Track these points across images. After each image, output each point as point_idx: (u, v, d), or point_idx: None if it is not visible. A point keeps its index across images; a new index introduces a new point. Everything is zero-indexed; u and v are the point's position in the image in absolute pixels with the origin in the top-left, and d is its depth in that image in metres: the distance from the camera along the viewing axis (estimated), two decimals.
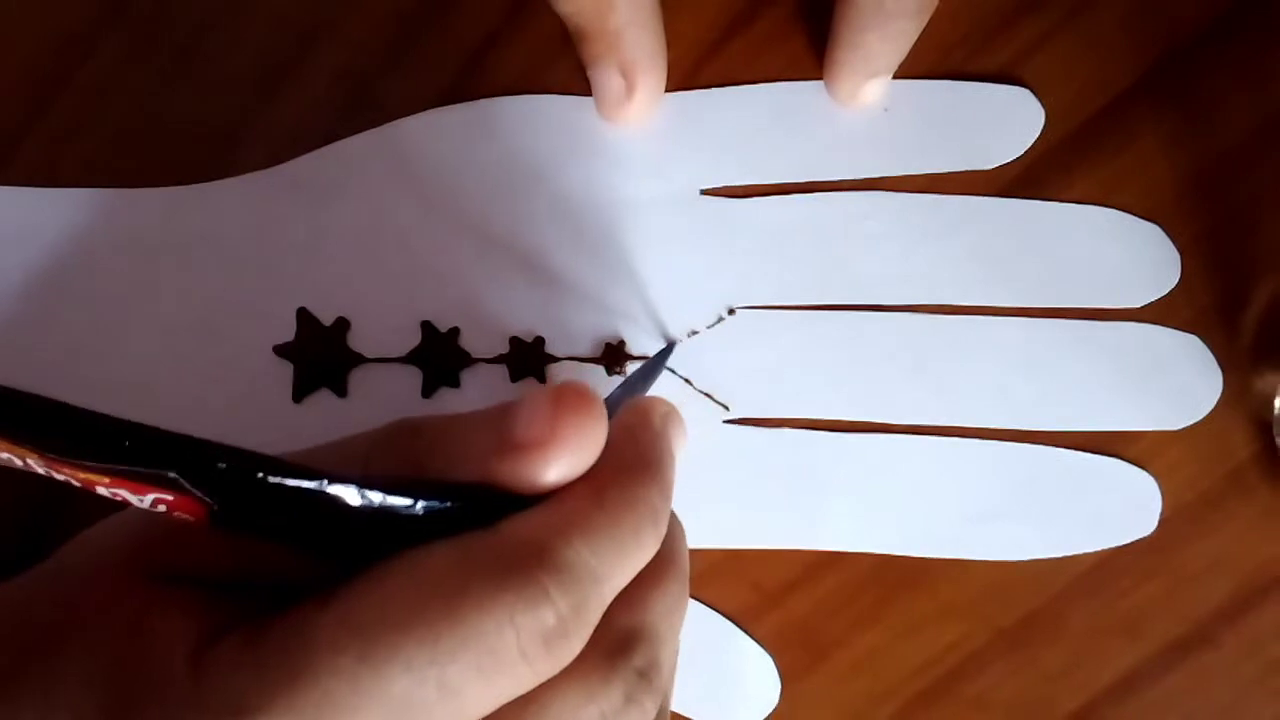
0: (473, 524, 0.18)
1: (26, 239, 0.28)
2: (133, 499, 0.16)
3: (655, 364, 0.27)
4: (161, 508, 0.16)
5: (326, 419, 0.28)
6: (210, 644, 0.17)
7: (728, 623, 0.28)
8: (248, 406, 0.28)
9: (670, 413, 0.22)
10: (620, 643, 0.19)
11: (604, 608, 0.18)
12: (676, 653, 0.21)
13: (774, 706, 0.28)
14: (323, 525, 0.17)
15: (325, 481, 0.16)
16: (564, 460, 0.18)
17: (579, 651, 0.18)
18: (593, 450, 0.19)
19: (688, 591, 0.22)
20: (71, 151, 0.29)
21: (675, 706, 0.28)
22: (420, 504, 0.18)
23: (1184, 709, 0.28)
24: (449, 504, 0.18)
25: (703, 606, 0.28)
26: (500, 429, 0.18)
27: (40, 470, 0.15)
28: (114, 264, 0.28)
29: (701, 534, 0.28)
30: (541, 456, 0.18)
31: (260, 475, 0.16)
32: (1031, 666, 0.28)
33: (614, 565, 0.18)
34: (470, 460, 0.19)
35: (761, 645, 0.28)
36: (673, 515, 0.21)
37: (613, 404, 0.21)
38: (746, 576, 0.28)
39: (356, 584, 0.17)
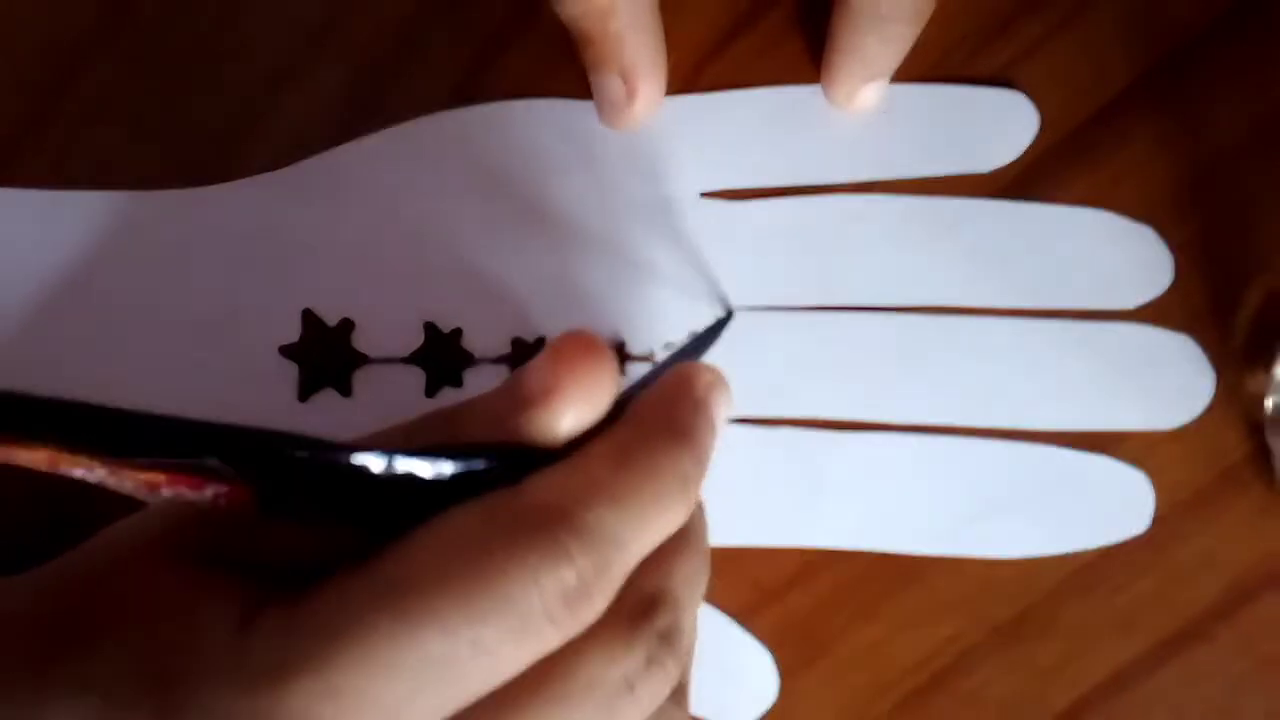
0: (501, 485, 0.18)
1: (33, 241, 0.28)
2: (191, 495, 0.16)
3: (711, 334, 0.27)
4: (222, 501, 0.17)
5: (331, 418, 0.28)
6: (251, 615, 0.17)
7: (727, 619, 0.29)
8: (254, 406, 0.28)
9: (715, 381, 0.21)
10: (642, 605, 0.19)
11: (627, 571, 0.18)
12: (696, 623, 0.21)
13: (772, 701, 0.29)
14: (356, 498, 0.18)
15: (351, 453, 0.17)
16: (573, 406, 0.19)
17: (602, 613, 0.18)
18: (603, 394, 0.19)
19: (709, 566, 0.22)
20: (79, 154, 0.29)
21: None
22: (448, 466, 0.18)
23: (1176, 704, 0.28)
24: (475, 464, 0.18)
25: (702, 603, 0.29)
26: (513, 386, 0.19)
27: (112, 482, 0.16)
28: (121, 266, 0.29)
29: None
30: (549, 405, 0.19)
31: (292, 452, 0.17)
32: (1026, 662, 0.28)
33: (636, 528, 0.18)
34: (491, 424, 0.19)
35: (760, 641, 0.29)
36: None
37: (663, 369, 0.22)
38: (746, 574, 0.29)
39: (391, 548, 0.17)
